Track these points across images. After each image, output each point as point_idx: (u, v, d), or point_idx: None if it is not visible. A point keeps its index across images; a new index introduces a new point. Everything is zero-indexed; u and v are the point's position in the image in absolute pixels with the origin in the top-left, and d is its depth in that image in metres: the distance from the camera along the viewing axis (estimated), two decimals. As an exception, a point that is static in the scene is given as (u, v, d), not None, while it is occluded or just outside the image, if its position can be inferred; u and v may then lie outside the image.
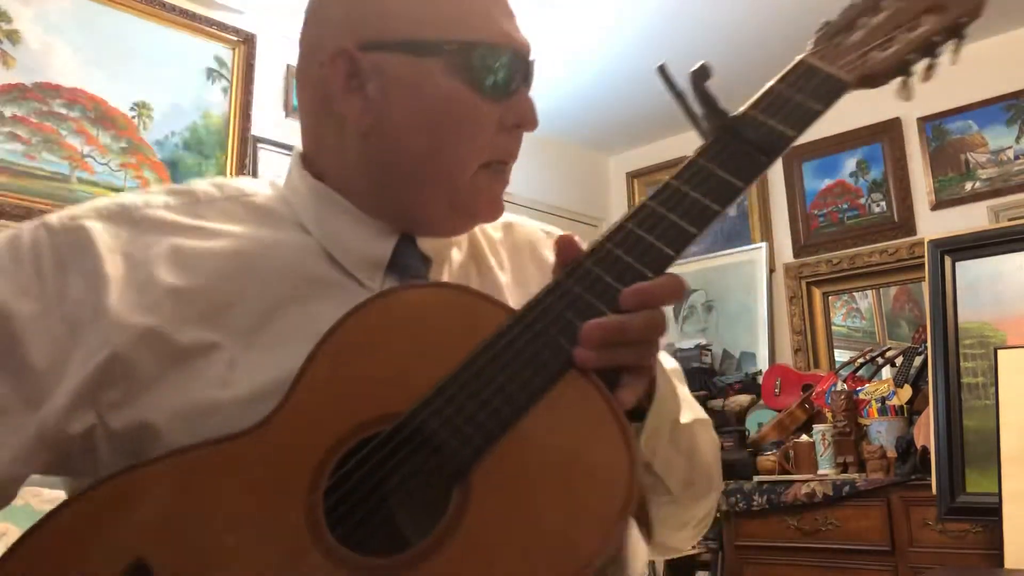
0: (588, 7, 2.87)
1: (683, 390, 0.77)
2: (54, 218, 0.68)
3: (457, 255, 0.78)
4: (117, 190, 2.30)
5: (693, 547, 3.00)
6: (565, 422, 0.54)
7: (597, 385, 0.55)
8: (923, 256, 2.55)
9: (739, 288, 3.60)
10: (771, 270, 3.54)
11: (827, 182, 3.48)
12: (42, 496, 1.39)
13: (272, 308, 0.67)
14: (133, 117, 2.35)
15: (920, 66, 0.70)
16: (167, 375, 0.63)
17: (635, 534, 0.75)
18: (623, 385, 0.57)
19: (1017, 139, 3.05)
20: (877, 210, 3.35)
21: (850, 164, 3.43)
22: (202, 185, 0.75)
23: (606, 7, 2.87)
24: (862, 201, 3.39)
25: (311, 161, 0.76)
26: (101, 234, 0.67)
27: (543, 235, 0.86)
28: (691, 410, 0.75)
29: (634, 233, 0.60)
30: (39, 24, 2.21)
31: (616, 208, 4.00)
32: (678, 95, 0.65)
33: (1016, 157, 3.05)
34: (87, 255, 0.65)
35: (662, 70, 0.66)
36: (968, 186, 3.14)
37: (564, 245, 0.61)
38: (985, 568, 2.17)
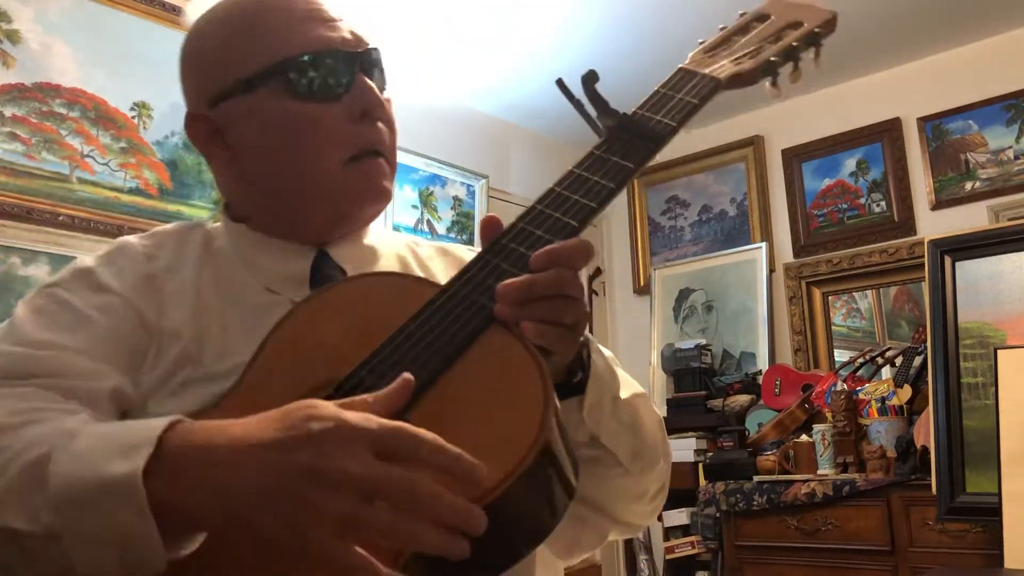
0: (587, 7, 2.87)
1: (620, 371, 0.82)
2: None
3: (385, 268, 0.86)
4: (117, 190, 2.30)
5: (692, 547, 3.00)
6: (489, 364, 0.61)
7: (515, 334, 0.62)
8: (923, 256, 2.55)
9: (739, 288, 3.60)
10: (771, 270, 3.54)
11: (827, 182, 3.48)
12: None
13: (224, 330, 0.76)
14: (133, 117, 2.35)
15: (785, 70, 0.81)
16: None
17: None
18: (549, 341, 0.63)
19: (1017, 139, 3.05)
20: (877, 210, 3.35)
21: (850, 164, 3.43)
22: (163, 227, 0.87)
23: (606, 7, 2.87)
24: (862, 201, 3.39)
25: (229, 207, 0.86)
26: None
27: (468, 252, 0.93)
28: (629, 387, 0.80)
29: (543, 212, 0.69)
30: (39, 24, 2.21)
31: (614, 207, 3.99)
32: (576, 103, 0.75)
33: (1016, 157, 3.05)
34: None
35: (560, 83, 0.76)
36: (968, 186, 3.14)
37: (487, 225, 0.69)
38: (985, 568, 2.17)
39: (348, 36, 0.80)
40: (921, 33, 3.09)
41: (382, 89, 0.83)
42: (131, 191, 2.32)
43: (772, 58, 0.79)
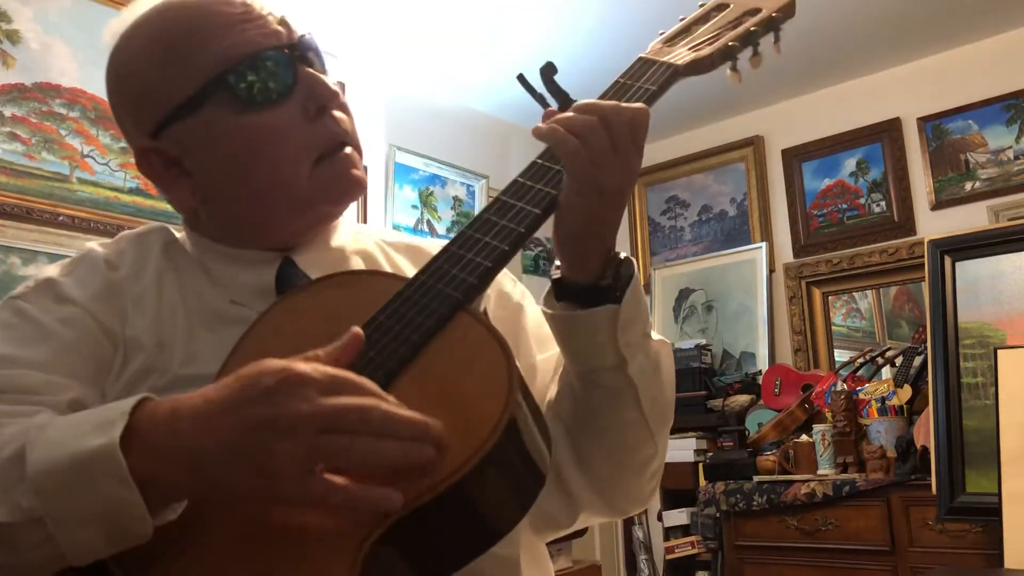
0: (587, 6, 2.87)
1: None
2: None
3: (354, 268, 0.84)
4: (117, 190, 2.30)
5: (692, 547, 3.00)
6: (455, 350, 0.63)
7: (481, 320, 0.64)
8: (923, 256, 2.55)
9: (739, 288, 3.60)
10: (771, 270, 3.54)
11: (827, 182, 3.48)
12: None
13: (190, 337, 0.75)
14: (133, 117, 2.35)
15: (745, 55, 0.82)
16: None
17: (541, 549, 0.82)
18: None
19: (1017, 139, 3.05)
20: (877, 210, 3.35)
21: (850, 164, 3.43)
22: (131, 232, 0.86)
23: (605, 6, 2.87)
24: (862, 201, 3.39)
25: (187, 220, 0.84)
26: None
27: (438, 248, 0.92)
28: (655, 333, 0.80)
29: (507, 203, 0.70)
30: (39, 24, 2.21)
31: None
32: (538, 97, 0.75)
33: (1016, 157, 3.05)
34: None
35: (521, 78, 0.77)
36: (968, 186, 3.14)
37: (549, 118, 0.71)
38: (985, 568, 2.17)
39: (279, 29, 0.76)
40: (921, 33, 3.09)
41: (323, 73, 0.79)
42: (131, 191, 2.32)
43: (731, 43, 0.81)
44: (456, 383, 0.61)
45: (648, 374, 0.74)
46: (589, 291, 0.70)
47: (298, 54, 0.76)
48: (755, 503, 2.70)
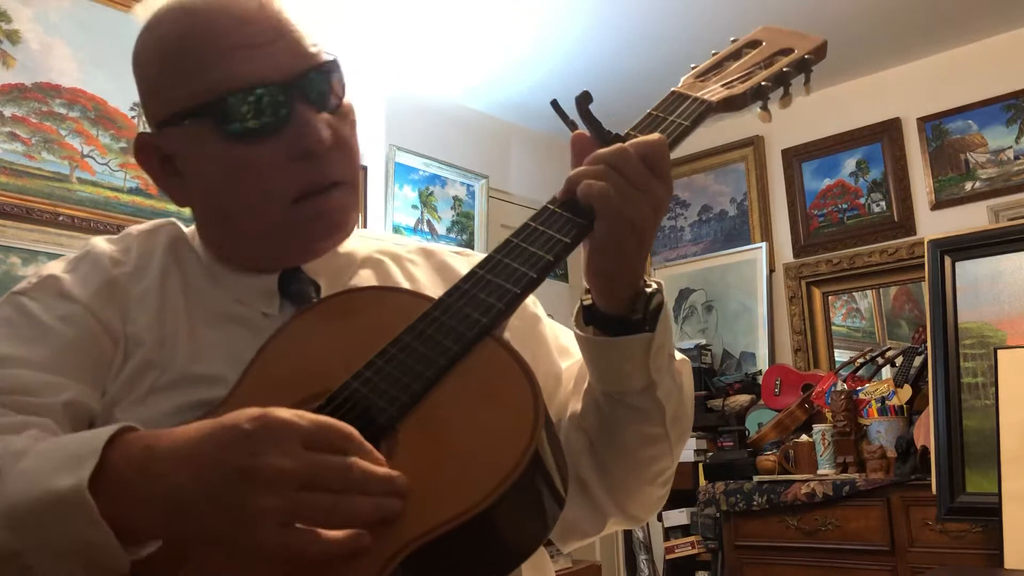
0: (589, 7, 2.87)
1: None
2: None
3: (363, 278, 0.83)
4: (117, 190, 2.30)
5: (692, 547, 3.00)
6: (480, 376, 0.62)
7: (506, 346, 0.64)
8: (923, 256, 2.55)
9: (739, 288, 3.60)
10: (771, 270, 3.54)
11: (827, 182, 3.48)
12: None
13: (193, 337, 0.75)
14: (133, 117, 2.35)
15: (776, 94, 0.83)
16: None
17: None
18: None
19: (1017, 139, 3.05)
20: (877, 210, 3.35)
21: (850, 164, 3.43)
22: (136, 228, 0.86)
23: (608, 7, 2.87)
24: (862, 201, 3.39)
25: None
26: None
27: (452, 254, 0.91)
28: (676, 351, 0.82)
29: (537, 229, 0.70)
30: (39, 24, 2.21)
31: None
32: (571, 124, 0.76)
33: (1016, 157, 3.05)
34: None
35: (555, 104, 0.77)
36: (968, 186, 3.14)
37: (577, 142, 0.72)
38: (985, 568, 2.17)
39: (284, 60, 0.73)
40: (921, 33, 3.09)
41: (334, 103, 0.76)
42: (131, 191, 2.32)
43: (763, 83, 0.81)
44: (481, 411, 0.61)
45: (673, 394, 0.75)
46: (618, 321, 0.71)
47: (298, 91, 0.73)
48: (755, 503, 2.70)
